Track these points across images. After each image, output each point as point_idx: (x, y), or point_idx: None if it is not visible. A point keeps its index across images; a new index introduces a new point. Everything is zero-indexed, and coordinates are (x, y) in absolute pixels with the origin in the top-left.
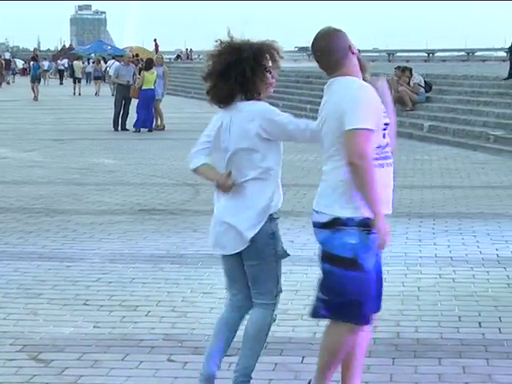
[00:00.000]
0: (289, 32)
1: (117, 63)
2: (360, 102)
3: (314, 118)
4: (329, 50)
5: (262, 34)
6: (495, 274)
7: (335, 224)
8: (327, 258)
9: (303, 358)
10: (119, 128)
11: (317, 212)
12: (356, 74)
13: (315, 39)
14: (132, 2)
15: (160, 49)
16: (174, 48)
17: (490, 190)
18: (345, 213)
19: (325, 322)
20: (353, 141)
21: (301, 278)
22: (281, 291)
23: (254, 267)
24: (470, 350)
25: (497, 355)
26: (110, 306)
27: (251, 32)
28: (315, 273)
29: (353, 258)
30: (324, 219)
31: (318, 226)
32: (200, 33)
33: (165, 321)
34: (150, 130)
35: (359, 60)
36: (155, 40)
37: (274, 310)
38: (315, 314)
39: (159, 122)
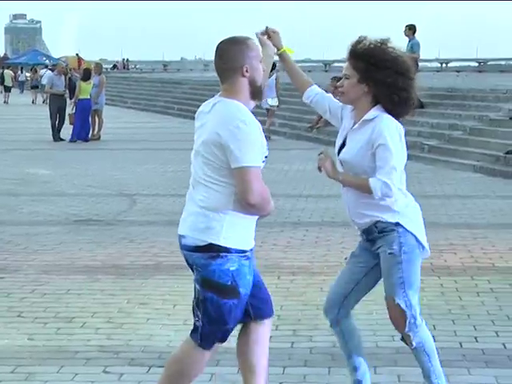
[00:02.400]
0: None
1: (50, 72)
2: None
3: None
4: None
5: (201, 44)
6: (429, 283)
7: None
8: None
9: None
10: (57, 138)
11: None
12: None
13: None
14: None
15: (97, 58)
16: (111, 58)
17: (424, 199)
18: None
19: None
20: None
21: (270, 288)
22: None
23: None
24: (406, 358)
25: None
26: (44, 318)
27: (184, 42)
28: (285, 282)
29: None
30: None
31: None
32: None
33: (100, 332)
34: (86, 140)
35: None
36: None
37: None
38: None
39: (95, 132)
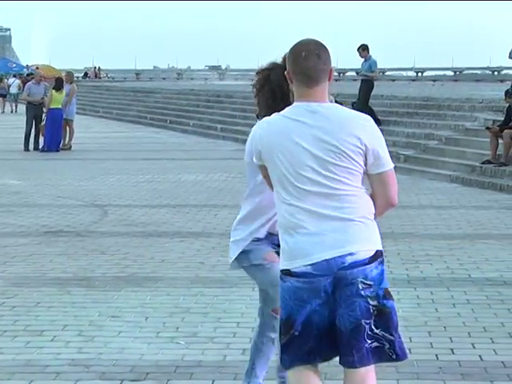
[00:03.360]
0: (199, 50)
1: (17, 81)
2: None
3: (225, 138)
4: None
5: (175, 53)
6: (405, 294)
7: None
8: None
9: (213, 381)
10: (31, 148)
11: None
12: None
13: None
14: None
15: (68, 67)
16: (82, 66)
17: (400, 209)
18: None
19: (237, 345)
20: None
21: (211, 301)
22: None
23: None
24: (381, 371)
25: (407, 376)
26: (13, 332)
27: (157, 50)
28: (225, 295)
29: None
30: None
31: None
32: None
33: (71, 345)
34: (57, 150)
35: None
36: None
37: None
38: (365, 361)
39: (66, 142)
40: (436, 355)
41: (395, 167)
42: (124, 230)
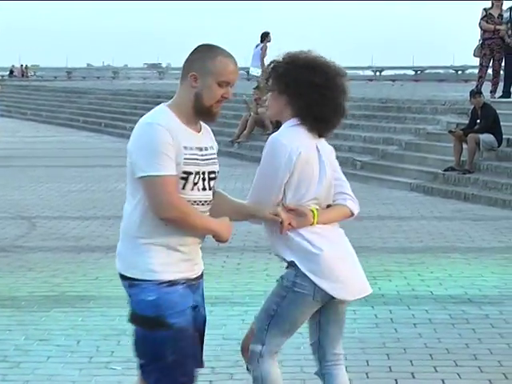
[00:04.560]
0: (137, 47)
1: None
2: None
3: None
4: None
5: (110, 51)
6: (362, 313)
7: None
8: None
9: None
10: None
11: None
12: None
13: None
14: None
15: None
16: (9, 64)
17: (356, 221)
18: None
19: None
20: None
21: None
22: None
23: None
24: None
25: None
26: None
27: (91, 47)
28: None
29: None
30: None
31: None
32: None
33: None
34: None
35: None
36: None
37: None
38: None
39: None
40: (395, 380)
41: (351, 175)
42: (54, 245)
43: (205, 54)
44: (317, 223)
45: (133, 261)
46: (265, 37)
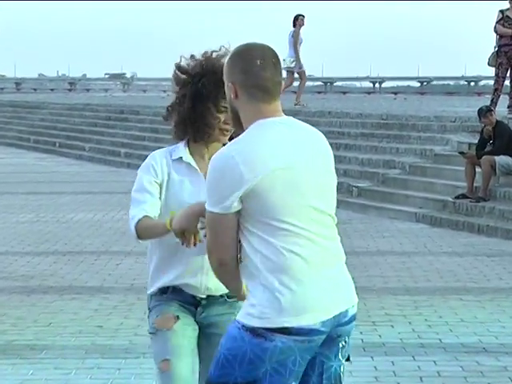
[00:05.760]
0: (97, 54)
1: None
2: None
3: (131, 166)
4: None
5: (66, 58)
6: (360, 365)
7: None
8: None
9: None
10: None
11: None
12: None
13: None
14: None
15: None
16: None
17: (353, 257)
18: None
19: None
20: None
21: (112, 375)
22: None
23: None
24: None
25: None
26: None
27: (43, 54)
28: (130, 368)
29: None
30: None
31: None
32: None
33: None
34: None
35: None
36: None
37: None
38: None
39: None
40: None
41: (347, 203)
42: (0, 285)
43: None
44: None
45: None
46: (295, 21)
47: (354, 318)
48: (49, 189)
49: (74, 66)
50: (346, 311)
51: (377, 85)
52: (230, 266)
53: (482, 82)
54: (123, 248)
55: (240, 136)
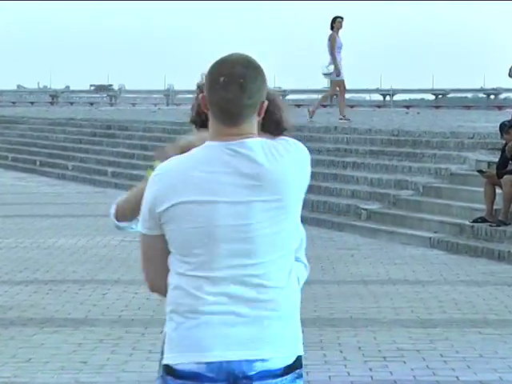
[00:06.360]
0: (82, 64)
1: None
2: None
3: (119, 186)
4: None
5: (47, 69)
6: None
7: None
8: None
9: None
10: None
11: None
12: None
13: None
14: None
15: None
16: None
17: (361, 286)
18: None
19: None
20: None
21: None
22: None
23: None
24: None
25: None
26: None
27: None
28: None
29: None
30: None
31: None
32: None
33: None
34: None
35: None
36: None
37: None
38: None
39: None
40: None
41: (355, 227)
42: None
43: None
44: None
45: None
46: (333, 23)
47: (268, 373)
48: (28, 211)
49: (56, 76)
50: (249, 362)
51: (388, 97)
52: (163, 291)
53: (503, 95)
54: (110, 276)
55: (183, 154)
